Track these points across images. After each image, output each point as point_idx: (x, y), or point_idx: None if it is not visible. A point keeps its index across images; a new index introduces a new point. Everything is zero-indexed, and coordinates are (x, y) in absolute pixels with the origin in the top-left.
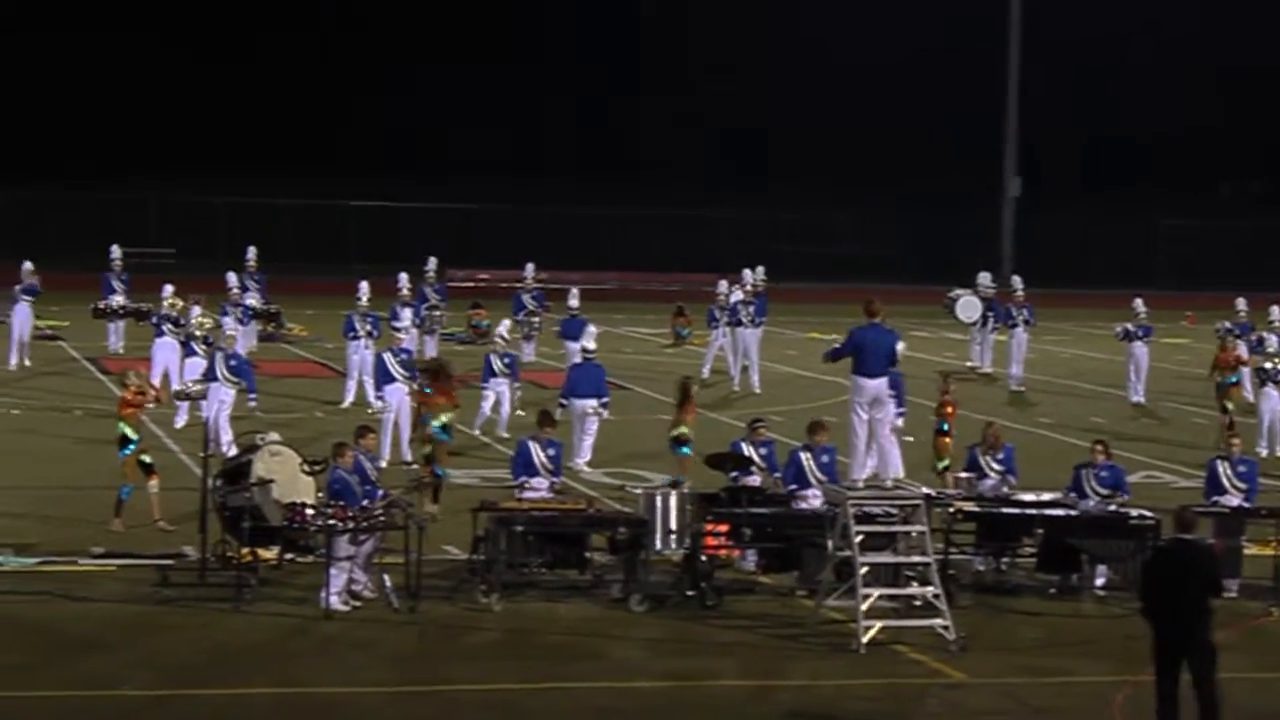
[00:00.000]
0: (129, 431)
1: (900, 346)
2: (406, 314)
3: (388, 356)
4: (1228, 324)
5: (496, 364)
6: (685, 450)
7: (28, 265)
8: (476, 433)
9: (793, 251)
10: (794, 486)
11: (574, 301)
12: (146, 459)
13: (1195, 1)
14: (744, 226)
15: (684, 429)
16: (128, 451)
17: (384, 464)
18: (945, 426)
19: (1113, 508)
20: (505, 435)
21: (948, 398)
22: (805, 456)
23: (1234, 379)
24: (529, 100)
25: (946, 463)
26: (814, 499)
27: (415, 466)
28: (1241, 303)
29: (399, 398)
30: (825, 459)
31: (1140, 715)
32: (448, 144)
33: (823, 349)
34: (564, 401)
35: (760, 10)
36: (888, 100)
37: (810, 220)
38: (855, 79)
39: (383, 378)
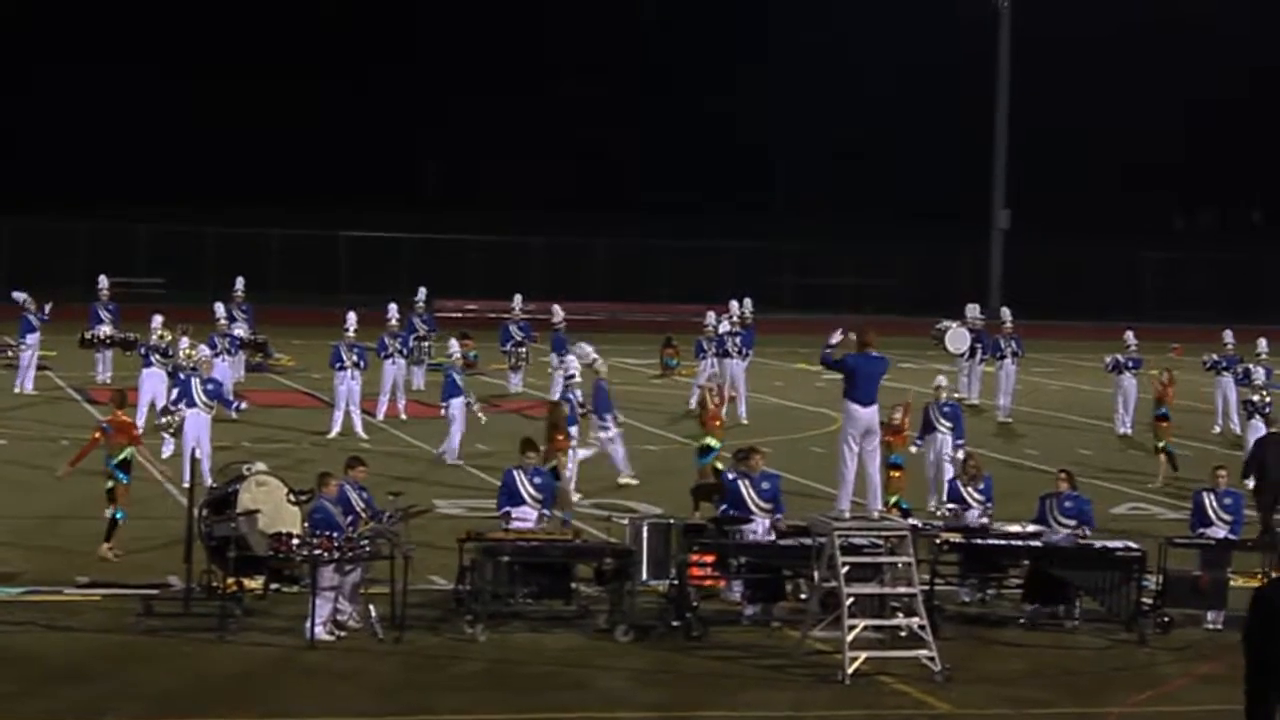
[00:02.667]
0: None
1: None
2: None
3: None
4: (1215, 356)
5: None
6: (707, 461)
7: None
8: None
9: (781, 282)
10: (733, 513)
11: (558, 318)
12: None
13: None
14: (735, 258)
15: (711, 439)
16: (127, 479)
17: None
18: (898, 460)
19: (1082, 540)
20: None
21: (899, 424)
22: (743, 484)
23: (1164, 410)
24: (521, 131)
25: (896, 498)
26: (755, 528)
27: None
28: (1229, 335)
29: None
30: (766, 485)
31: None
32: (439, 175)
33: (813, 380)
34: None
35: (757, 44)
36: (880, 134)
37: (800, 252)
38: (849, 113)
39: None
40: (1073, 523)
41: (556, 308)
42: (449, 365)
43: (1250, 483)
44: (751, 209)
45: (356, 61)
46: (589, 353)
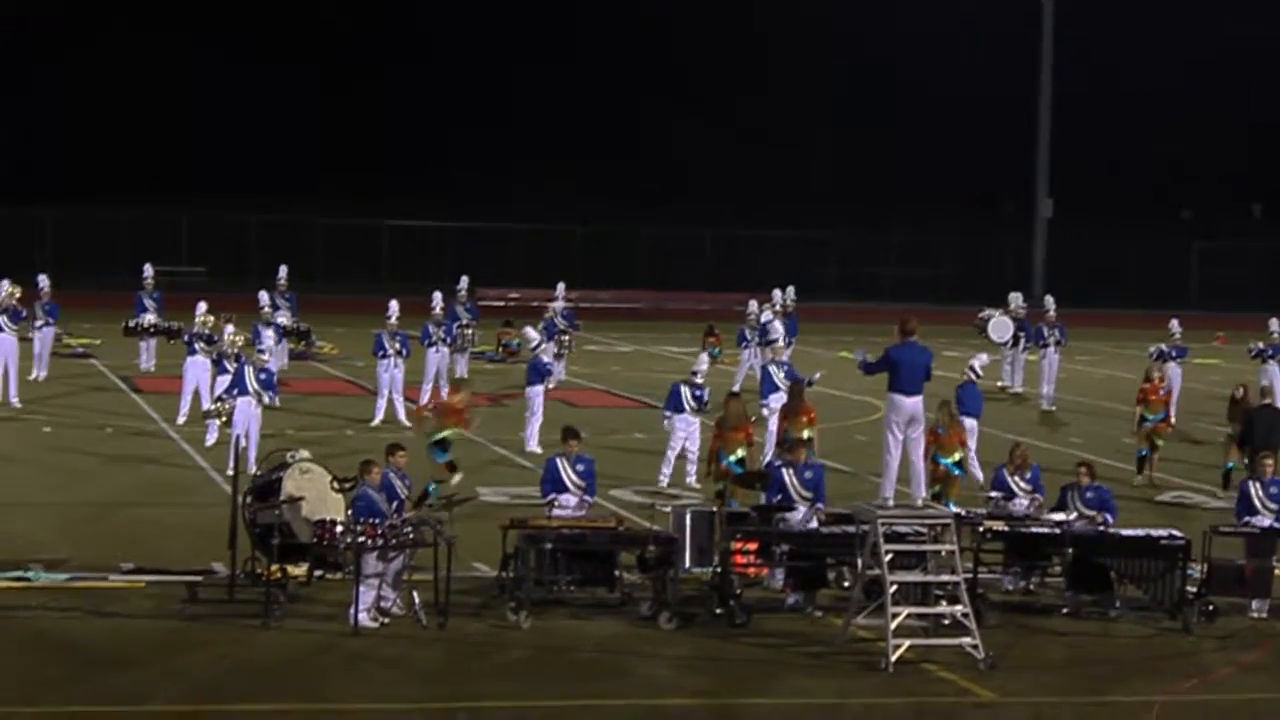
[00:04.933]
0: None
1: (983, 359)
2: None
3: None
4: (1260, 344)
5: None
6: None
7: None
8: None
9: (825, 271)
10: (779, 498)
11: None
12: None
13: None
14: (778, 246)
15: (806, 432)
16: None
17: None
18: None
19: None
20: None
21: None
22: (787, 473)
23: (1161, 415)
24: (564, 119)
25: (936, 489)
26: (797, 516)
27: (438, 484)
28: (1275, 323)
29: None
30: (809, 474)
31: None
32: (483, 164)
33: (855, 369)
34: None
35: (796, 32)
36: (923, 120)
37: (844, 240)
38: (891, 98)
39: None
40: (1093, 513)
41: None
42: (533, 353)
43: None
44: (792, 198)
45: (400, 50)
46: (533, 337)
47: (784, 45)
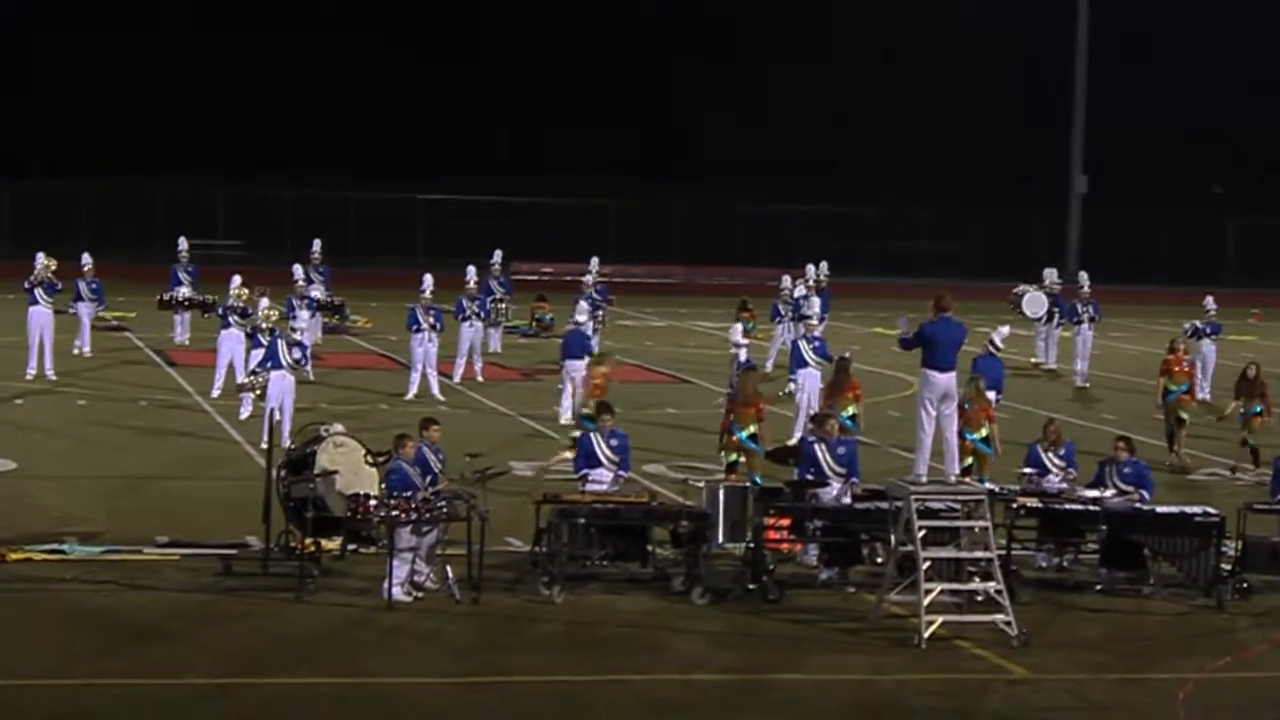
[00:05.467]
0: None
1: (1004, 331)
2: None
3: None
4: None
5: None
6: (851, 425)
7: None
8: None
9: (858, 247)
10: (810, 476)
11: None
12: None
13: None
14: (810, 221)
15: (852, 408)
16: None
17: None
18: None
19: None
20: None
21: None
22: (820, 449)
23: (1185, 387)
24: (593, 95)
25: (969, 462)
26: (830, 492)
27: (472, 458)
28: None
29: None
30: (842, 450)
31: (1203, 712)
32: (516, 139)
33: (889, 344)
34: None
35: (831, 5)
36: (957, 95)
37: (877, 216)
38: (925, 75)
39: None
40: (1130, 489)
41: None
42: (578, 326)
43: None
44: (827, 172)
45: (432, 27)
46: (584, 310)
47: (817, 18)
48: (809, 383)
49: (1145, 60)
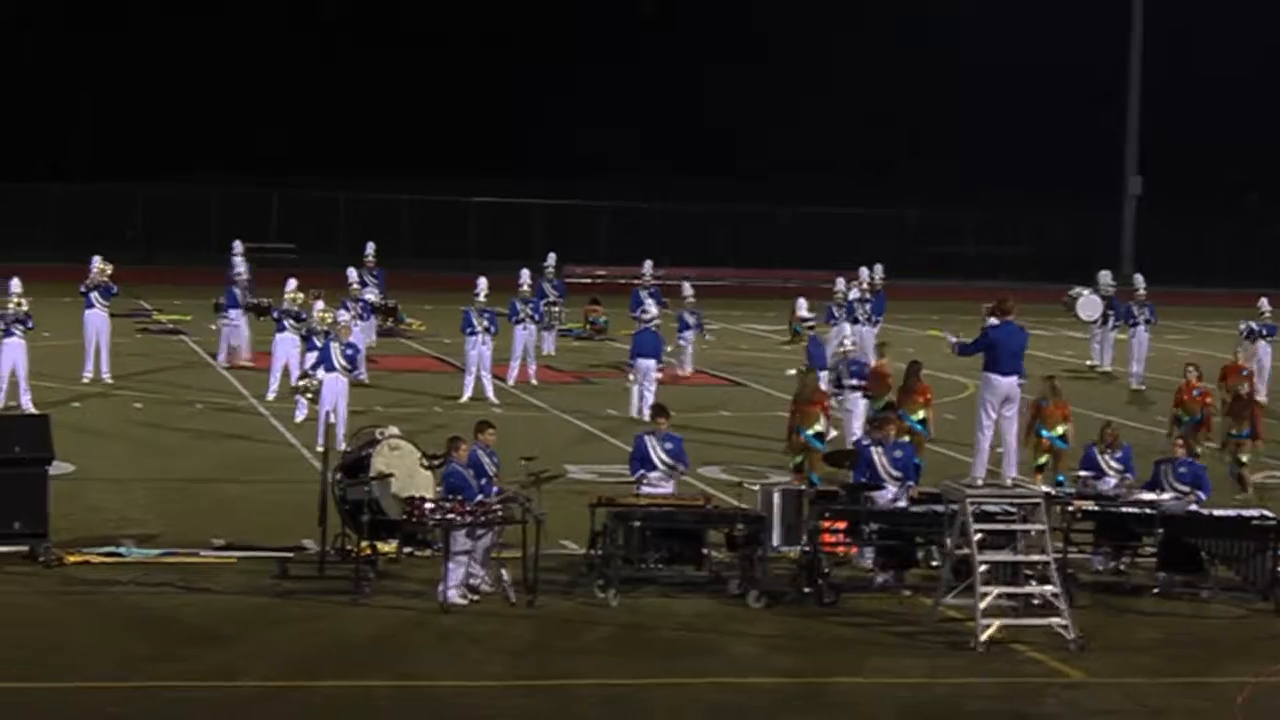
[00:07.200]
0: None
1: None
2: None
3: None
4: None
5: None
6: (920, 430)
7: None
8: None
9: (911, 249)
10: (867, 477)
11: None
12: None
13: None
14: (863, 224)
15: (921, 413)
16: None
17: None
18: (1048, 432)
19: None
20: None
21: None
22: (876, 452)
23: (1198, 417)
24: (648, 98)
25: (1043, 461)
26: (886, 495)
27: (524, 462)
28: None
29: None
30: (898, 454)
31: (1261, 716)
32: (569, 141)
33: (943, 347)
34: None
35: (882, 6)
36: (1013, 98)
37: (930, 218)
38: (981, 77)
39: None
40: (1186, 489)
41: (842, 279)
42: (644, 325)
43: None
44: (878, 174)
45: (487, 29)
46: (652, 309)
47: (871, 20)
48: (855, 407)
49: (1199, 63)
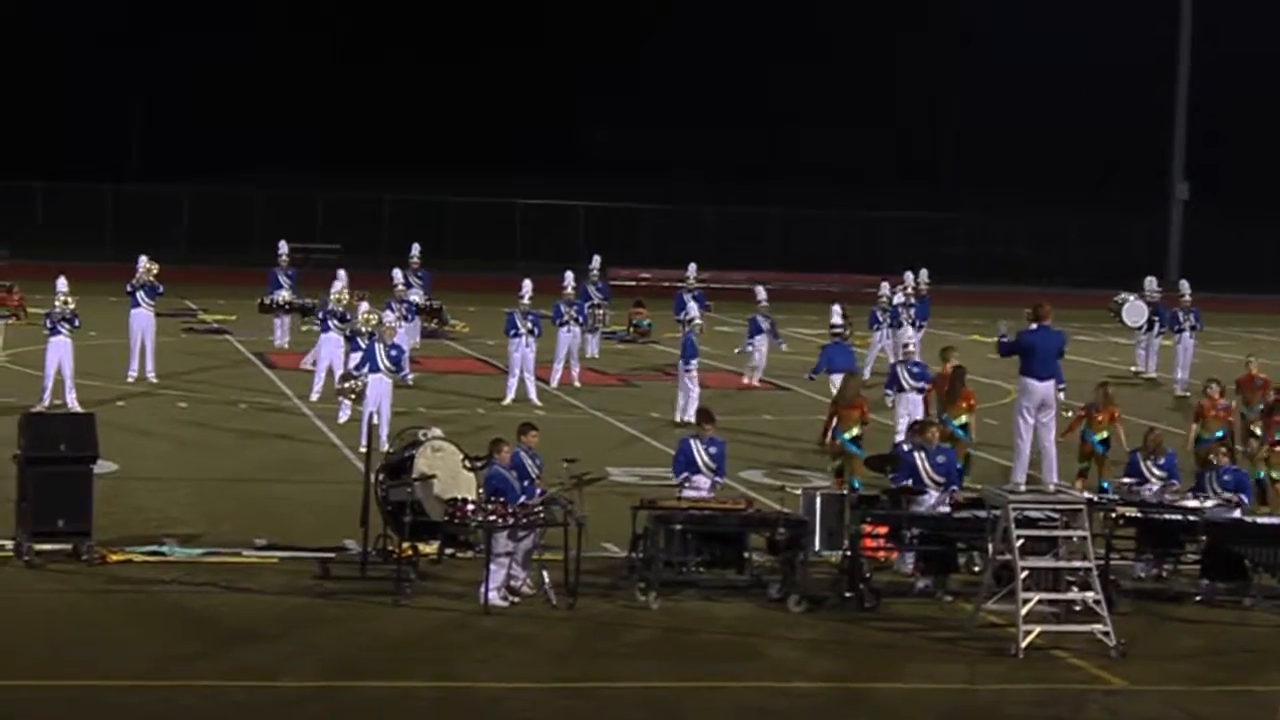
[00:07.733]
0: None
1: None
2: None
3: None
4: None
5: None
6: (962, 435)
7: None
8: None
9: (955, 253)
10: (908, 482)
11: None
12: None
13: None
14: (909, 228)
15: (964, 418)
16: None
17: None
18: (1093, 436)
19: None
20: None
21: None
22: (918, 456)
23: (1220, 433)
24: (691, 100)
25: (1085, 465)
26: (928, 500)
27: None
28: None
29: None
30: (941, 459)
31: None
32: (616, 144)
33: (986, 351)
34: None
35: (927, 7)
36: (1057, 103)
37: (975, 222)
38: (1024, 82)
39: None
40: (1230, 495)
41: (886, 284)
42: (689, 329)
43: None
44: (924, 178)
45: (533, 30)
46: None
47: (911, 27)
48: (908, 409)
49: (1247, 65)
